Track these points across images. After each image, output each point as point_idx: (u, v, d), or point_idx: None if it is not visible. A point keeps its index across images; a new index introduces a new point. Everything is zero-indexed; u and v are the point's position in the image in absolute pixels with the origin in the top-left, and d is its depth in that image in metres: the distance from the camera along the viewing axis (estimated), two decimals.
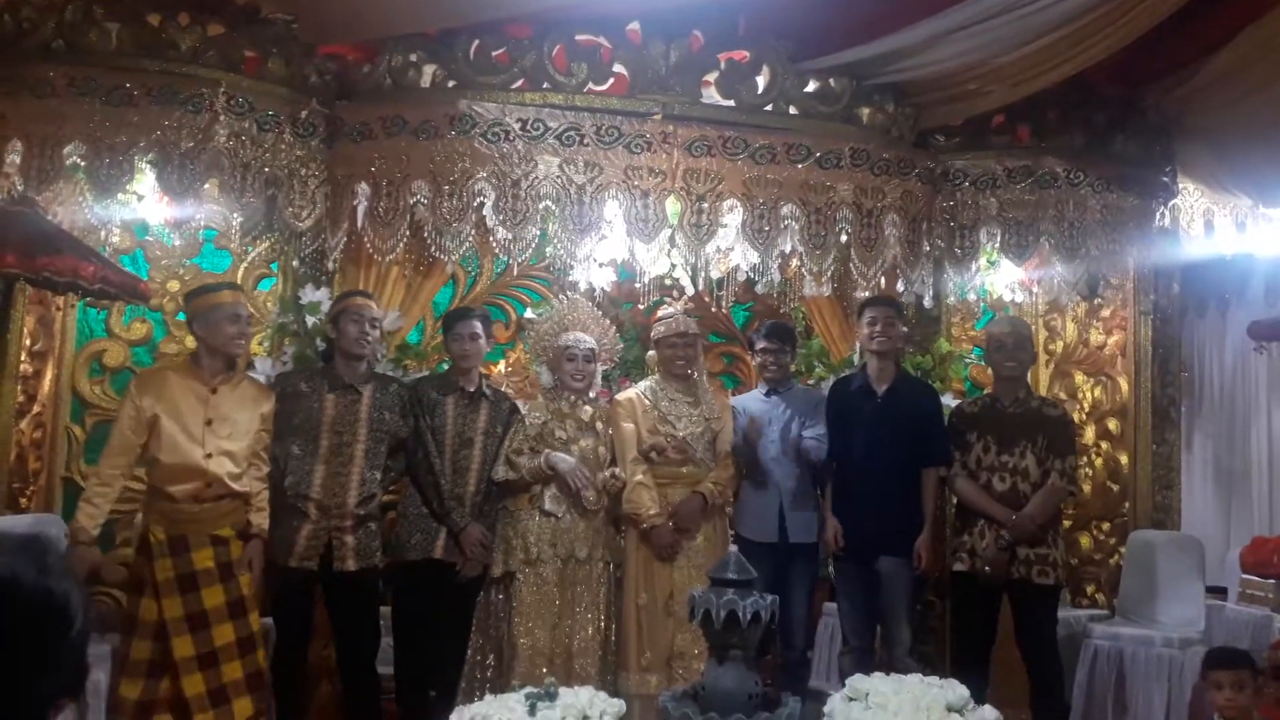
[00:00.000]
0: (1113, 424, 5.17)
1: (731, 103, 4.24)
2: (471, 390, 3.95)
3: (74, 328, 4.32)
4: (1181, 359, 5.36)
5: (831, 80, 4.32)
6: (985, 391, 4.38)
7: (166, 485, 3.33)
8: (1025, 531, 3.76)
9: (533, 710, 2.55)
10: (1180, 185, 4.80)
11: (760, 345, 4.26)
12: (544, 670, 3.63)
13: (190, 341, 4.34)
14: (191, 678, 3.22)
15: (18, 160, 3.70)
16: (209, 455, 3.35)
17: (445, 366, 4.12)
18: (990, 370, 4.19)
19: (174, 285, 4.40)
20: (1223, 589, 6.21)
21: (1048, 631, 3.84)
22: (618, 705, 2.67)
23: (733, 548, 2.84)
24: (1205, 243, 5.04)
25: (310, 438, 3.63)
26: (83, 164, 3.71)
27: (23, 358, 4.07)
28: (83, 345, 4.33)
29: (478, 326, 3.97)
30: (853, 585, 4.10)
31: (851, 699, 2.85)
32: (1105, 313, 5.22)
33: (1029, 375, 4.47)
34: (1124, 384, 5.15)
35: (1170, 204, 4.74)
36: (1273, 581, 5.84)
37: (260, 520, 3.48)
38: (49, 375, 4.25)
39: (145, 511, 3.42)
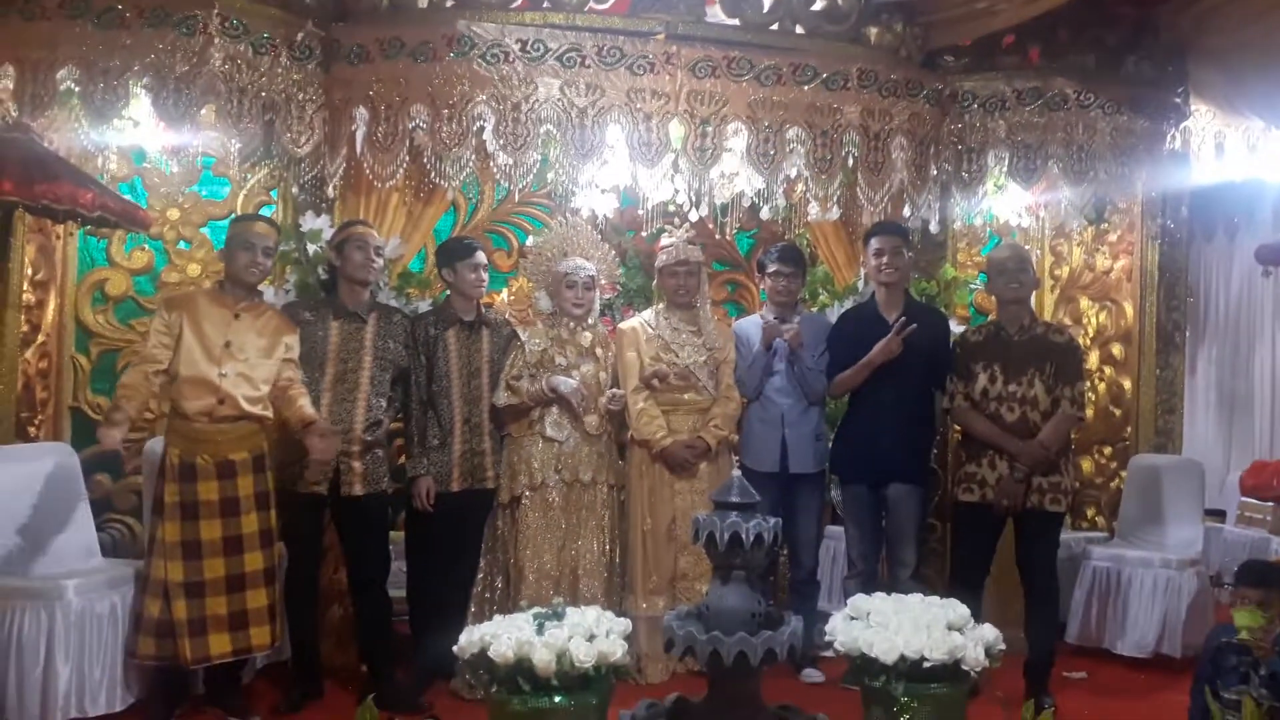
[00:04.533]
0: (1117, 349, 5.17)
1: (736, 22, 4.16)
2: (470, 320, 3.95)
3: (75, 257, 4.31)
4: (1188, 284, 5.32)
5: None
6: (989, 319, 4.30)
7: (182, 401, 3.39)
8: (1036, 459, 3.74)
9: (541, 630, 2.60)
10: (1192, 107, 4.72)
11: (772, 268, 4.22)
12: (550, 592, 3.70)
13: (191, 269, 4.38)
14: (178, 603, 3.31)
15: (10, 85, 3.66)
16: (223, 375, 3.39)
17: (445, 296, 4.11)
18: (993, 297, 4.13)
19: (173, 213, 4.38)
20: (1221, 511, 6.28)
21: (1051, 556, 3.87)
22: (624, 624, 2.72)
23: (736, 472, 2.86)
24: (1215, 166, 4.97)
25: (316, 365, 3.64)
26: (77, 89, 3.66)
27: (25, 287, 4.06)
28: (84, 275, 4.32)
29: (483, 257, 3.96)
30: (861, 510, 4.14)
31: (853, 618, 2.90)
32: (1112, 237, 5.18)
33: (1034, 300, 4.44)
34: (1129, 309, 5.13)
35: (1181, 126, 4.66)
36: (1271, 504, 5.91)
37: (308, 406, 3.50)
38: (52, 305, 4.24)
39: (166, 433, 3.48)
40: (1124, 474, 5.03)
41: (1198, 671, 3.20)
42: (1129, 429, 5.10)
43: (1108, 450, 5.22)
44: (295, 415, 3.49)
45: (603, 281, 4.18)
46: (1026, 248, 4.48)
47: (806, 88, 4.06)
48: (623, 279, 4.74)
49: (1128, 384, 5.11)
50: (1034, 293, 4.31)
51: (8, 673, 3.25)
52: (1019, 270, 3.90)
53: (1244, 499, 6.17)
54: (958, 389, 3.93)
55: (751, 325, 4.34)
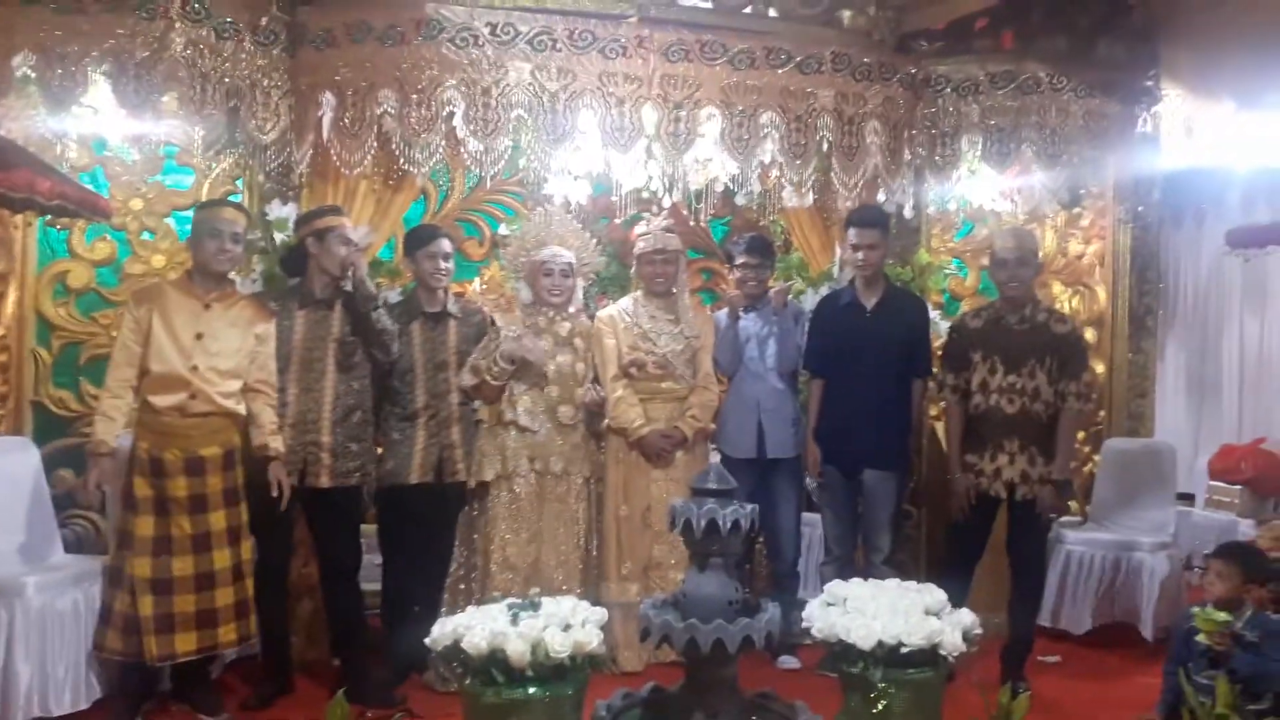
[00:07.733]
0: (1090, 334, 5.19)
1: (709, 4, 4.14)
2: (436, 311, 3.88)
3: (35, 248, 4.18)
4: (1159, 269, 5.35)
5: None
6: (993, 302, 4.02)
7: (152, 396, 3.33)
8: (1055, 502, 3.77)
9: (515, 620, 2.57)
10: (1163, 91, 4.73)
11: (740, 260, 4.21)
12: (514, 583, 3.68)
13: (155, 260, 4.28)
14: (144, 599, 3.25)
15: None
16: (194, 368, 3.33)
17: (414, 286, 4.04)
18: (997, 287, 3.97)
19: (136, 204, 4.27)
20: (1190, 495, 6.34)
21: (1040, 545, 3.88)
22: (600, 613, 2.70)
23: (714, 458, 2.84)
24: (1186, 150, 4.99)
25: (282, 355, 3.58)
26: (34, 75, 3.58)
27: None
28: (45, 266, 4.20)
29: (448, 245, 3.89)
30: (837, 496, 4.14)
31: (830, 604, 2.89)
32: (1084, 222, 5.19)
33: None
34: (1102, 294, 5.15)
35: (1152, 110, 4.68)
36: (1239, 488, 5.97)
37: (276, 444, 3.48)
38: (11, 298, 4.13)
39: (135, 427, 3.41)
40: (1097, 458, 5.05)
41: (1170, 654, 3.22)
42: (1102, 413, 5.13)
43: (1082, 435, 5.23)
44: (256, 438, 3.44)
45: (582, 270, 4.13)
46: (1033, 234, 4.30)
47: (780, 71, 4.04)
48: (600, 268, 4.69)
49: (1101, 369, 5.13)
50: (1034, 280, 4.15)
51: None
52: (1018, 264, 3.78)
53: (1212, 482, 6.23)
54: (946, 380, 3.90)
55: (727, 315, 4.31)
